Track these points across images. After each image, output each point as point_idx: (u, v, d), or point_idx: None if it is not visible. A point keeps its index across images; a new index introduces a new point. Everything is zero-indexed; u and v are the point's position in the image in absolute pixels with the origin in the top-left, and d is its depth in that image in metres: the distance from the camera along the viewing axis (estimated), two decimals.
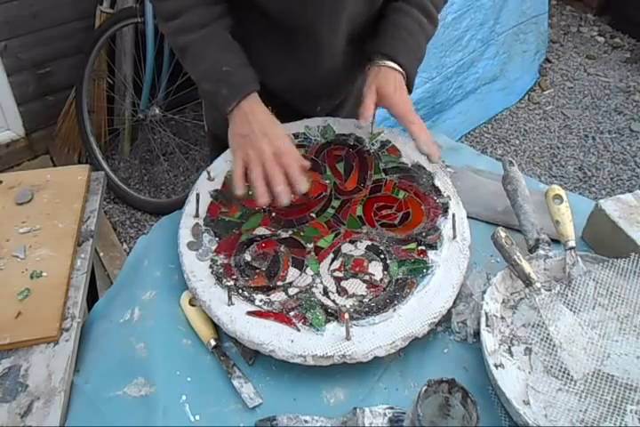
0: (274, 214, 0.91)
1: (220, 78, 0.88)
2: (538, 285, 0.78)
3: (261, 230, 0.88)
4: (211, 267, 0.83)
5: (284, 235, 0.88)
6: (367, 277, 0.82)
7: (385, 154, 1.00)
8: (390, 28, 0.97)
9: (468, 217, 0.91)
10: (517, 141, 2.60)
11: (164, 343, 0.79)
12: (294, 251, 0.86)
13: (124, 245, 2.10)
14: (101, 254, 2.03)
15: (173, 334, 0.80)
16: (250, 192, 0.93)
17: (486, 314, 0.76)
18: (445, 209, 0.91)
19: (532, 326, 0.77)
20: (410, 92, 0.96)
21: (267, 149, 0.83)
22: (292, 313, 0.77)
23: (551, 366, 0.73)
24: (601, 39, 3.16)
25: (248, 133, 0.85)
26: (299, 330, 0.75)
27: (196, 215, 0.89)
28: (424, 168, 0.97)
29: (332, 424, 0.69)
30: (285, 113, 1.00)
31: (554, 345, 0.75)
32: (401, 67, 0.94)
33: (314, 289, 0.81)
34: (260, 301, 0.79)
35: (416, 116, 0.91)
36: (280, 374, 0.76)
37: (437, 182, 0.95)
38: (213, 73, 0.88)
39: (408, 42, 0.96)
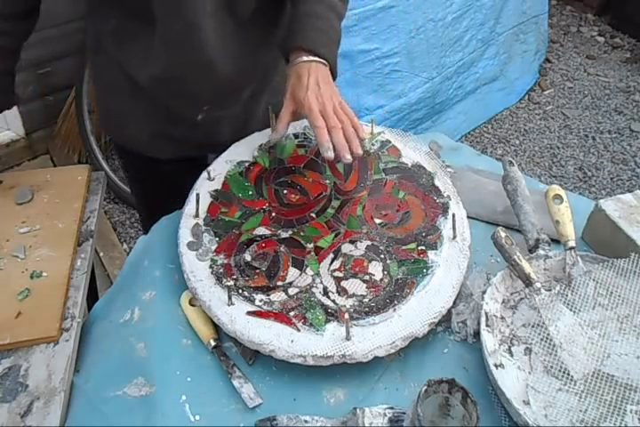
0: (274, 214, 0.91)
1: None
2: (538, 285, 0.78)
3: (261, 230, 0.88)
4: (211, 267, 0.82)
5: (284, 235, 0.88)
6: (367, 277, 0.82)
7: (385, 154, 1.00)
8: (303, 19, 0.93)
9: (468, 217, 0.91)
10: (517, 141, 2.60)
11: (164, 343, 0.79)
12: (294, 251, 0.86)
13: (124, 245, 2.10)
14: (101, 254, 2.03)
15: (173, 334, 0.80)
16: (249, 192, 0.94)
17: (486, 314, 0.76)
18: (445, 209, 0.91)
19: (532, 326, 0.77)
20: (334, 78, 0.94)
21: None
22: (292, 313, 0.77)
23: (551, 366, 0.73)
24: (601, 39, 3.16)
25: None
26: (299, 330, 0.75)
27: (196, 215, 0.89)
28: (424, 168, 0.97)
29: (332, 424, 0.69)
30: (162, 117, 1.00)
31: (554, 345, 0.75)
32: (321, 57, 0.91)
33: (314, 289, 0.81)
34: (260, 301, 0.79)
35: (320, 119, 0.86)
36: (280, 374, 0.76)
37: (437, 182, 0.95)
38: None
39: (323, 29, 0.93)
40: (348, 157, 0.86)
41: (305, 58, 0.90)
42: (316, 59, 0.91)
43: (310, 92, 0.88)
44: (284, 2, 1.01)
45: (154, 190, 1.20)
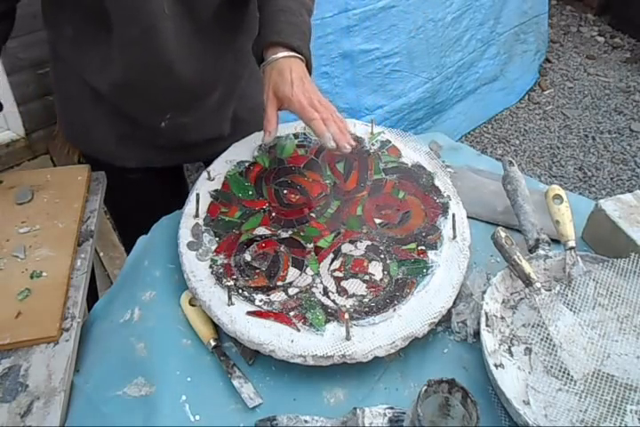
0: (274, 214, 0.91)
1: None
2: (538, 285, 0.78)
3: (261, 230, 0.88)
4: (211, 267, 0.82)
5: (284, 235, 0.88)
6: (367, 277, 0.82)
7: (385, 154, 1.00)
8: (276, 14, 0.91)
9: (468, 217, 0.91)
10: (517, 141, 2.60)
11: (164, 343, 0.79)
12: (294, 251, 0.86)
13: None
14: (101, 254, 2.03)
15: (173, 334, 0.80)
16: (249, 192, 0.94)
17: (486, 314, 0.76)
18: (445, 209, 0.91)
19: (532, 326, 0.77)
20: (310, 73, 0.92)
21: None
22: (292, 313, 0.77)
23: (551, 366, 0.73)
24: (601, 39, 3.17)
25: None
26: (299, 330, 0.75)
27: (196, 215, 0.89)
28: (424, 168, 0.97)
29: (332, 424, 0.69)
30: (127, 122, 0.99)
31: (554, 345, 0.75)
32: (296, 51, 0.89)
33: (314, 289, 0.81)
34: (260, 301, 0.79)
35: (313, 111, 0.85)
36: (280, 374, 0.76)
37: (437, 182, 0.95)
38: None
39: (297, 23, 0.91)
40: (348, 147, 0.85)
41: (285, 53, 0.88)
42: (294, 54, 0.89)
43: (296, 88, 0.86)
44: (244, 4, 1.00)
45: (125, 204, 1.19)
